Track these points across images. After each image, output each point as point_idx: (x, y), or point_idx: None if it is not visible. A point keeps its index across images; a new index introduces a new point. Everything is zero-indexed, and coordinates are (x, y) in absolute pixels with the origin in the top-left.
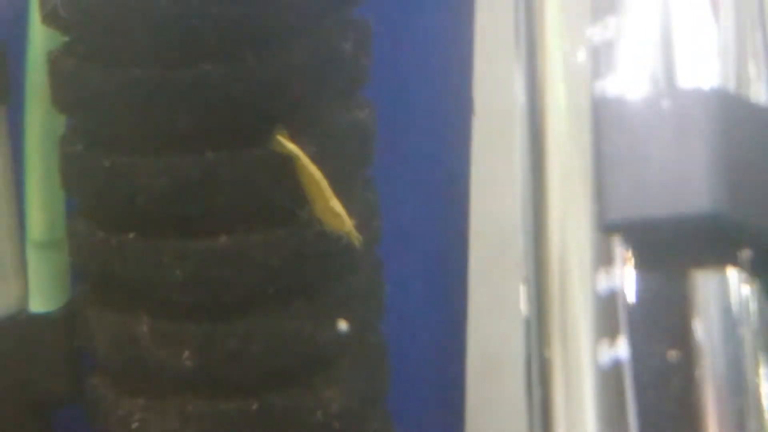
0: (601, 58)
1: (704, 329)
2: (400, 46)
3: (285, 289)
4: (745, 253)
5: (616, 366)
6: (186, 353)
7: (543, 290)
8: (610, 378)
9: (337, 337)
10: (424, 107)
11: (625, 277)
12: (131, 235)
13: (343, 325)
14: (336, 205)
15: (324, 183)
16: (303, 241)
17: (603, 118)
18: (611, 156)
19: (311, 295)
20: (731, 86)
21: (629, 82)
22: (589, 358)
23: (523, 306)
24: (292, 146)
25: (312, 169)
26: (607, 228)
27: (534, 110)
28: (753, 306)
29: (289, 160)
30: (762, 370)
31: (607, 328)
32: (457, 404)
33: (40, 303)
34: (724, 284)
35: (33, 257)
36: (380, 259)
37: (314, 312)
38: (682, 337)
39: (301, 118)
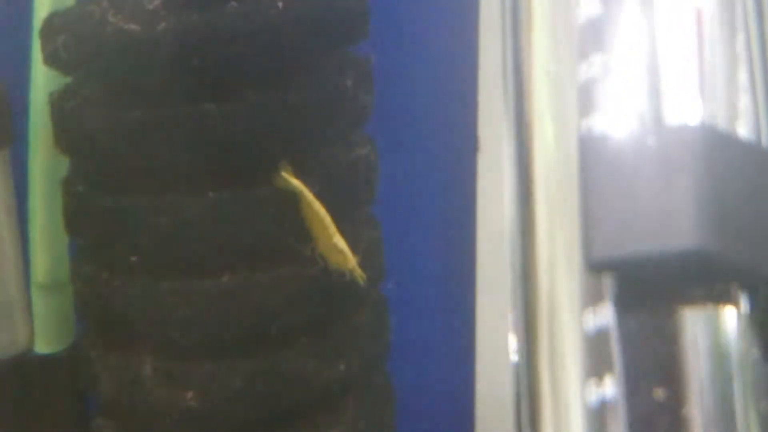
0: (588, 95)
1: (692, 367)
2: (404, 83)
3: (289, 328)
4: (734, 289)
5: (604, 405)
6: (190, 393)
7: (532, 330)
8: (598, 418)
9: (341, 376)
10: (428, 144)
11: (613, 316)
12: (134, 276)
13: (346, 364)
14: (340, 242)
15: (328, 220)
16: (306, 280)
17: (589, 156)
18: (597, 194)
19: (315, 334)
20: (719, 122)
21: (615, 120)
22: (577, 398)
23: (512, 346)
24: (296, 183)
25: (316, 206)
26: (593, 266)
27: (522, 148)
28: (742, 342)
29: (291, 197)
30: (752, 408)
31: (595, 368)
32: None
33: (45, 344)
34: (712, 320)
35: (37, 299)
36: (385, 297)
37: (318, 350)
38: (670, 375)
39: (303, 156)
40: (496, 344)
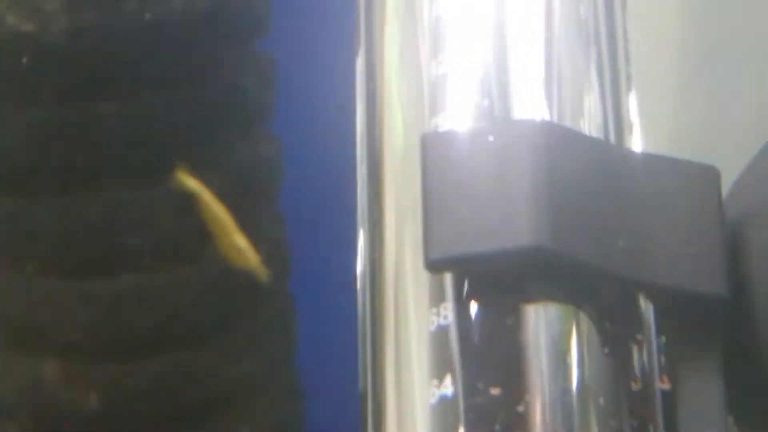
0: (435, 94)
1: (530, 364)
2: (310, 77)
3: (192, 327)
4: (575, 286)
5: (445, 404)
6: (94, 395)
7: (378, 330)
8: (439, 417)
9: (247, 374)
10: (337, 138)
11: (455, 316)
12: (34, 279)
13: (252, 362)
14: (240, 241)
15: (227, 219)
16: (208, 279)
17: (430, 155)
18: (437, 193)
19: (219, 332)
20: (565, 119)
21: (460, 118)
22: (420, 398)
23: (360, 345)
24: (193, 183)
25: (215, 206)
26: (431, 266)
27: (373, 147)
28: (581, 338)
29: (191, 197)
30: (591, 403)
31: (438, 367)
32: None
33: None
34: (552, 318)
35: None
36: (291, 294)
37: (223, 349)
38: (507, 372)
39: (203, 155)
40: None
